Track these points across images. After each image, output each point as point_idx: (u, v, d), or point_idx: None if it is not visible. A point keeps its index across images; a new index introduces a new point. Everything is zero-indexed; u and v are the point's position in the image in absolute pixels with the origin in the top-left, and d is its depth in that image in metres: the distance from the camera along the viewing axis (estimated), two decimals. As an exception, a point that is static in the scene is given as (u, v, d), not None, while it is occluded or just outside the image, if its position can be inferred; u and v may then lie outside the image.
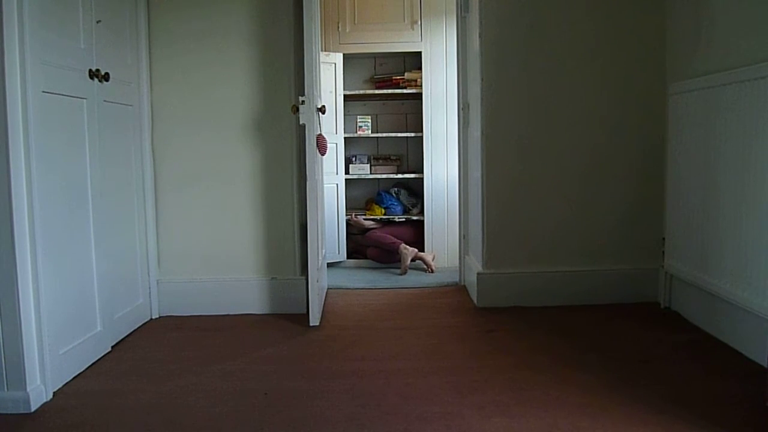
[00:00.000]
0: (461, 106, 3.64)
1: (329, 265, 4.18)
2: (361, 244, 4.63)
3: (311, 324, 2.91)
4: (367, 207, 4.98)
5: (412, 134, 4.82)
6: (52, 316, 2.15)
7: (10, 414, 2.02)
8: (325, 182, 3.92)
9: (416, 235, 4.66)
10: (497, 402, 2.06)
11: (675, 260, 2.90)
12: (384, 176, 4.94)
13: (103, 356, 2.54)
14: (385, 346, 2.65)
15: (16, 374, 2.03)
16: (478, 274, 3.19)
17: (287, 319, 3.03)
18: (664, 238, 3.03)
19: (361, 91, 4.87)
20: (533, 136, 3.12)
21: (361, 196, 5.10)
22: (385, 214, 4.89)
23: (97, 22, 2.52)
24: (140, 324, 2.97)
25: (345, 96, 4.78)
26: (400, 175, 4.88)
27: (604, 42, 3.09)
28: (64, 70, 2.29)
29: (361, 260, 4.99)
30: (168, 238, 3.13)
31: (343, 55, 4.73)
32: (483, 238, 3.17)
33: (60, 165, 2.27)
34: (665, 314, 2.97)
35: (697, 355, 2.46)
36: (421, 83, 4.72)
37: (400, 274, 4.19)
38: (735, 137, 2.39)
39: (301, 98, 2.85)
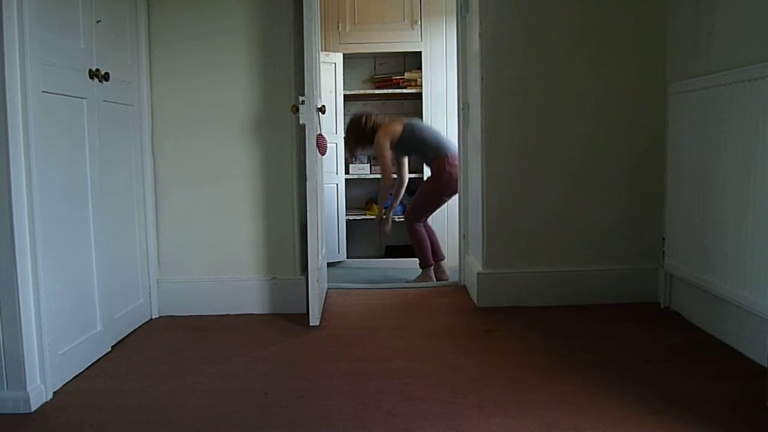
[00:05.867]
0: (461, 106, 3.64)
1: (329, 265, 4.18)
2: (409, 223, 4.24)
3: (311, 324, 2.91)
4: (367, 207, 4.99)
5: (412, 134, 4.81)
6: (52, 316, 2.15)
7: (10, 414, 2.01)
8: (325, 182, 3.92)
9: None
10: (497, 402, 2.05)
11: (675, 260, 2.90)
12: (384, 176, 4.94)
13: (103, 356, 2.54)
14: (385, 346, 2.65)
15: (16, 374, 2.03)
16: (478, 274, 3.19)
17: (287, 319, 3.03)
18: (664, 238, 3.02)
19: (361, 91, 4.88)
20: (533, 136, 3.12)
21: (361, 196, 5.11)
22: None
23: (97, 22, 2.52)
24: (140, 324, 2.97)
25: (345, 96, 4.79)
26: (400, 175, 4.87)
27: (604, 42, 3.09)
28: (64, 70, 2.29)
29: (363, 260, 5.00)
30: (168, 238, 3.13)
31: (343, 55, 4.74)
32: (483, 238, 3.17)
33: (60, 165, 2.27)
34: (665, 314, 2.97)
35: (697, 355, 2.45)
36: (421, 83, 4.73)
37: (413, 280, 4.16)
38: (735, 137, 2.39)
39: (301, 98, 2.85)
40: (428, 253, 4.14)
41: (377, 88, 4.92)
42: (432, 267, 4.16)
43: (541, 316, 2.98)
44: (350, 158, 4.66)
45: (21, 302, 2.02)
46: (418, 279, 4.15)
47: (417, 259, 4.26)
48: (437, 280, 4.12)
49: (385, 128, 4.21)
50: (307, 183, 2.87)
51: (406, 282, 4.15)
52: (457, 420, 1.94)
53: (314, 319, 2.92)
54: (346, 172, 4.89)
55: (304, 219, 2.99)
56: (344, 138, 4.47)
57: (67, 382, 2.25)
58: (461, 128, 3.67)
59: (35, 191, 2.05)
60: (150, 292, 3.07)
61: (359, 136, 4.26)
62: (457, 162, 3.82)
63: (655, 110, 3.06)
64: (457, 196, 3.78)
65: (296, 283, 3.14)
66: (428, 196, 4.14)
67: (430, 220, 4.31)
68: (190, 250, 3.13)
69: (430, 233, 4.20)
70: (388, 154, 4.19)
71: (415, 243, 4.15)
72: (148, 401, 2.13)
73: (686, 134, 2.79)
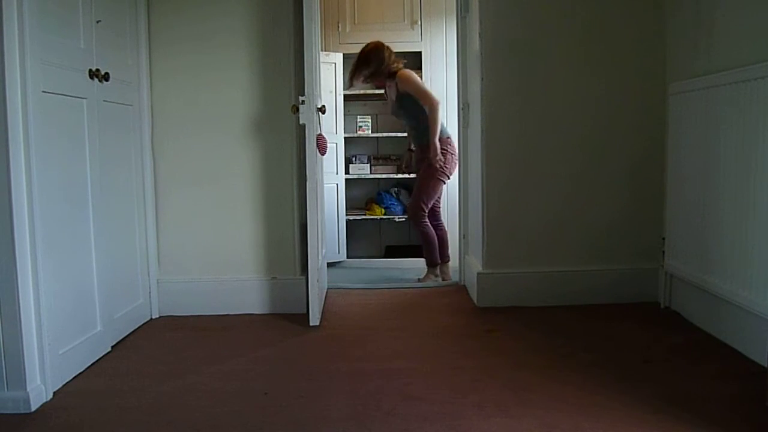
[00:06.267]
0: (461, 106, 3.64)
1: (329, 265, 4.18)
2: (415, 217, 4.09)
3: (311, 324, 2.91)
4: (367, 207, 4.99)
5: (413, 134, 4.81)
6: (52, 315, 2.15)
7: (10, 414, 2.02)
8: (325, 182, 3.92)
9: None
10: (497, 402, 2.06)
11: (675, 260, 2.90)
12: (384, 176, 4.94)
13: (103, 356, 2.54)
14: (385, 346, 2.65)
15: (16, 374, 2.03)
16: (478, 274, 3.19)
17: (287, 319, 3.03)
18: (664, 238, 3.02)
19: (361, 91, 4.87)
20: (533, 135, 3.12)
21: (361, 196, 5.10)
22: (385, 214, 4.89)
23: (97, 22, 2.52)
24: (140, 324, 2.97)
25: (345, 96, 4.78)
26: (400, 175, 4.88)
27: (604, 41, 3.09)
28: (64, 70, 2.29)
29: (363, 260, 4.99)
30: (168, 238, 3.13)
31: (343, 55, 4.73)
32: (483, 238, 3.17)
33: (60, 165, 2.27)
34: (665, 314, 2.97)
35: (697, 355, 2.45)
36: (422, 83, 4.71)
37: (420, 279, 4.13)
38: (735, 137, 2.39)
39: (301, 98, 2.85)
40: (435, 252, 4.10)
41: (377, 87, 4.91)
42: (438, 266, 4.14)
43: (541, 316, 2.98)
44: (354, 84, 4.31)
45: (21, 302, 2.02)
46: (423, 278, 4.12)
47: (416, 259, 4.23)
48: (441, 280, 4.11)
49: (410, 71, 4.07)
50: (307, 183, 2.87)
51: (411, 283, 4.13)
52: (457, 420, 1.94)
53: (314, 319, 2.92)
54: (346, 172, 4.89)
55: (304, 219, 2.99)
56: (358, 63, 4.11)
57: (67, 382, 2.26)
58: (461, 128, 3.67)
59: (35, 191, 2.05)
60: (150, 292, 3.07)
61: (380, 68, 4.05)
62: (455, 145, 3.82)
63: (655, 110, 3.06)
64: (457, 195, 3.78)
65: (296, 283, 3.14)
66: (426, 182, 4.02)
67: (444, 220, 4.27)
68: (190, 250, 3.13)
69: (442, 232, 4.18)
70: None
71: (423, 240, 4.11)
72: (148, 401, 2.14)
73: (686, 134, 2.79)
